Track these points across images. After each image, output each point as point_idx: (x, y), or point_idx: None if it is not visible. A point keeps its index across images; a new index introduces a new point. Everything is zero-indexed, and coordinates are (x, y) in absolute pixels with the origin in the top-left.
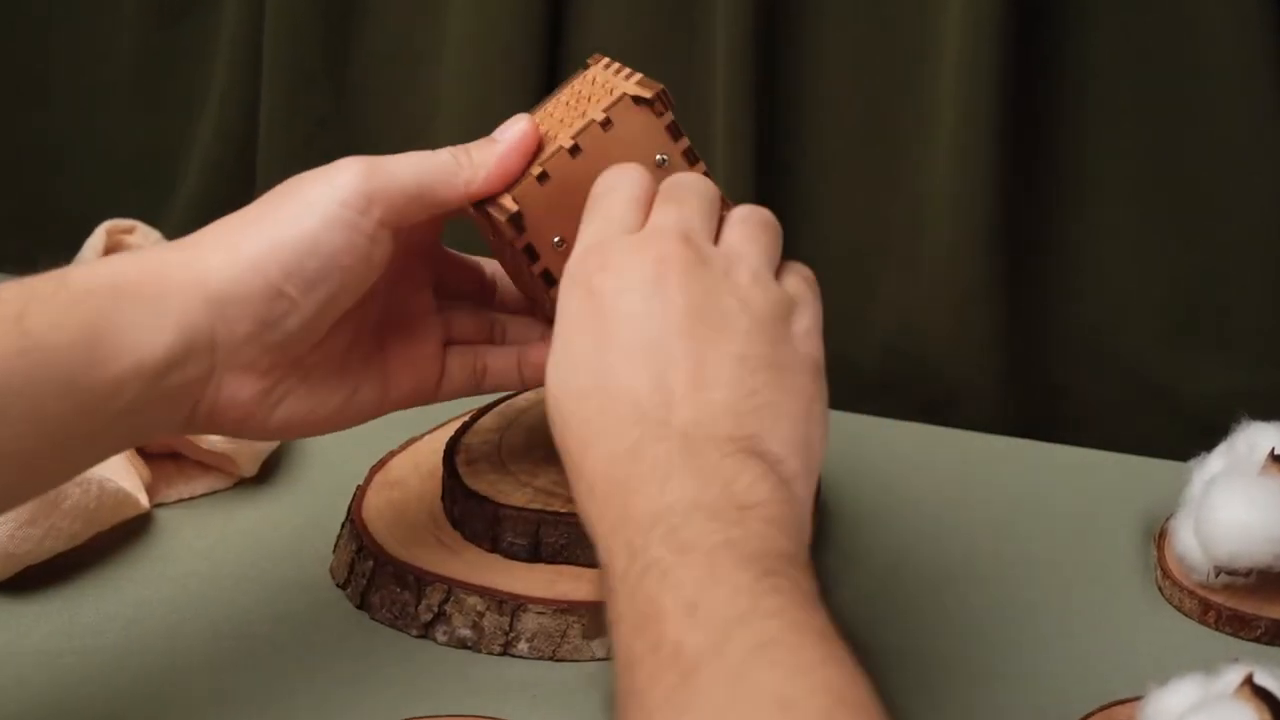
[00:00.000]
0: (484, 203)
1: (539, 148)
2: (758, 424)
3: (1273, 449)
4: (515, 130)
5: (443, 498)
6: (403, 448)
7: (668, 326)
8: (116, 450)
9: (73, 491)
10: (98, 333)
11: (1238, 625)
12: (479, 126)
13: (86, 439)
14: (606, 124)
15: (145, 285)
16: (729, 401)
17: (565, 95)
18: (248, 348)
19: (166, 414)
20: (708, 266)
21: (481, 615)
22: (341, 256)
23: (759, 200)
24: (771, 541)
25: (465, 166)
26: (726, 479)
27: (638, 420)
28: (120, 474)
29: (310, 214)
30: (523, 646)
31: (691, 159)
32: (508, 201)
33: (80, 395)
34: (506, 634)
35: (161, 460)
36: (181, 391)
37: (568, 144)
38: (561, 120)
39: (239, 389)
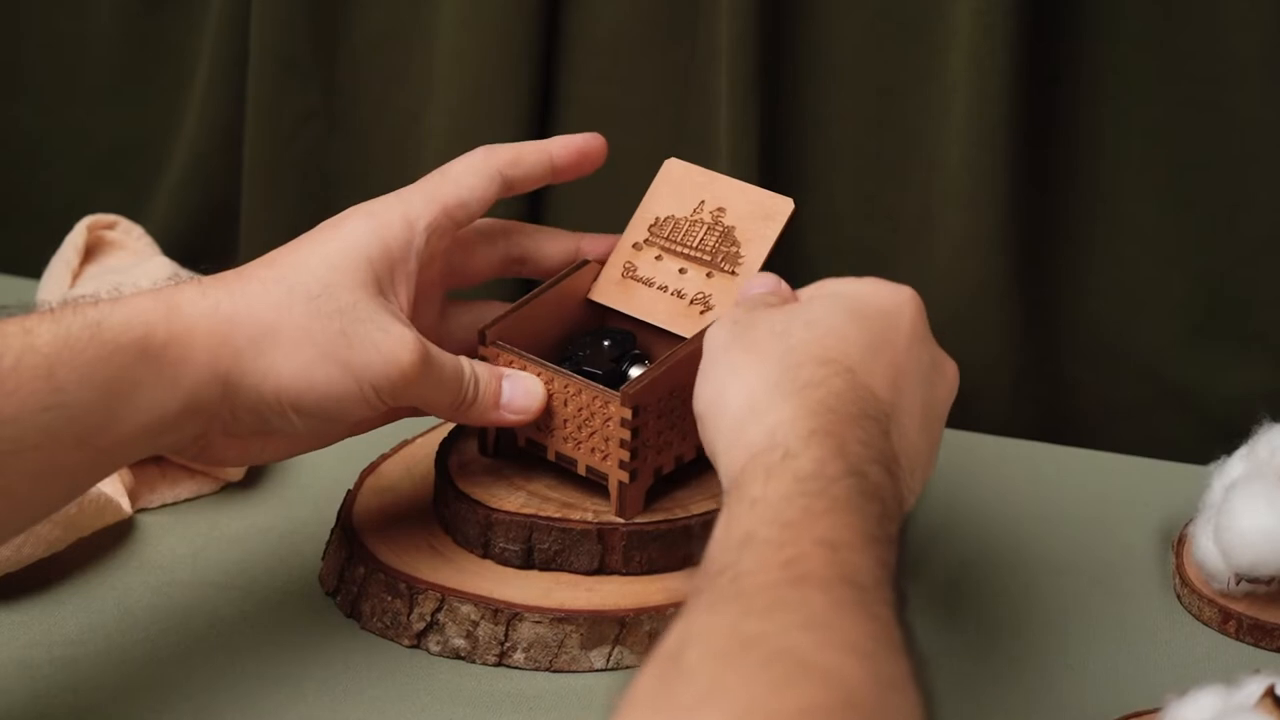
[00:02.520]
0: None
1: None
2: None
3: None
4: (523, 408)
5: (434, 501)
6: (395, 450)
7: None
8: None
9: None
10: (118, 392)
11: (1259, 635)
12: (471, 120)
13: (86, 482)
14: None
15: (171, 349)
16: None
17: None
18: (240, 428)
19: (154, 453)
20: None
21: (476, 625)
22: (348, 413)
23: None
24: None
25: (469, 414)
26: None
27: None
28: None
29: (347, 378)
30: (519, 657)
31: None
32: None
33: (91, 450)
34: (502, 644)
35: (145, 464)
36: (172, 445)
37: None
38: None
39: (225, 447)
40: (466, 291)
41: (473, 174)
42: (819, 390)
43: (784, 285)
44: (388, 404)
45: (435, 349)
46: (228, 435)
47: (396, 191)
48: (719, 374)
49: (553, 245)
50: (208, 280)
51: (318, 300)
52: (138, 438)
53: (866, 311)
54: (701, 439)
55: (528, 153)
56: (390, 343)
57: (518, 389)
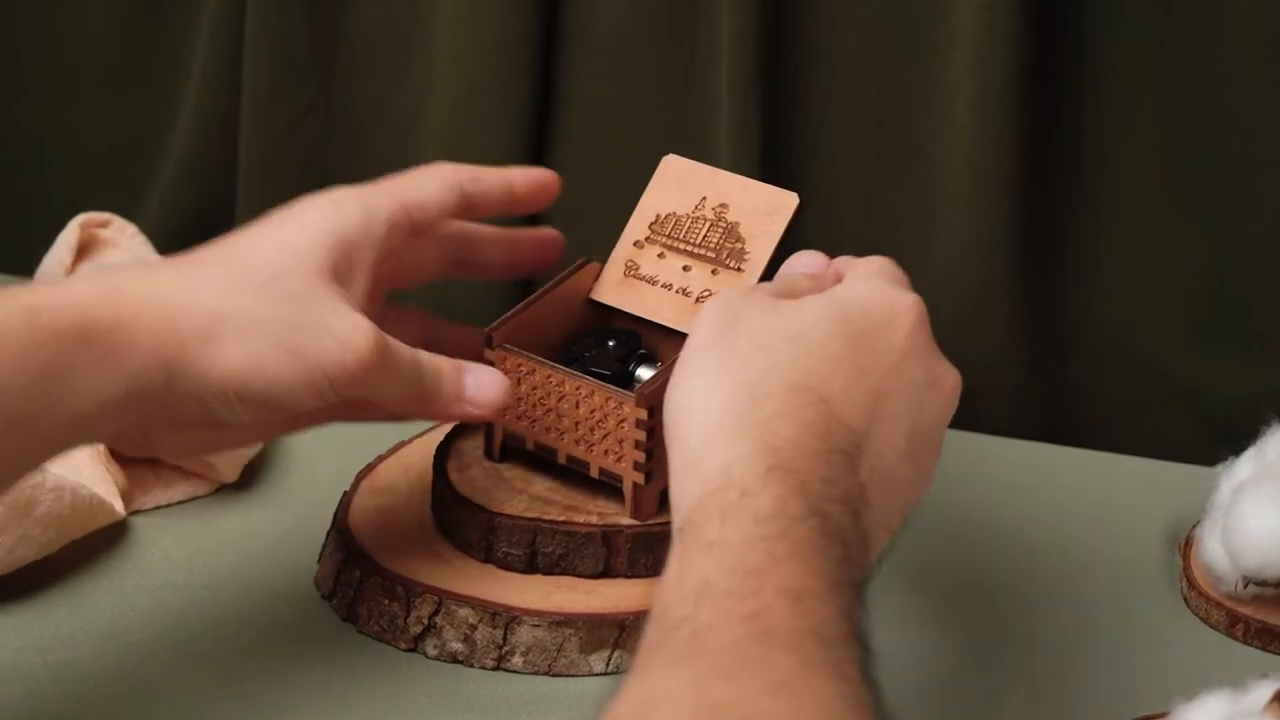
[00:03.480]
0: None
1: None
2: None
3: None
4: (486, 401)
5: (433, 505)
6: (391, 452)
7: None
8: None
9: (45, 498)
10: (55, 376)
11: (1267, 639)
12: (470, 120)
13: (21, 469)
14: None
15: (114, 334)
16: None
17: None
18: (184, 418)
19: (94, 442)
20: None
21: (474, 628)
22: (298, 404)
23: None
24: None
25: (430, 409)
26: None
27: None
28: (95, 480)
29: (298, 366)
30: (517, 661)
31: None
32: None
33: (25, 437)
34: (500, 648)
35: (138, 465)
36: (112, 434)
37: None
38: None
39: (166, 437)
40: (405, 295)
41: (434, 180)
42: (783, 424)
43: (829, 271)
44: (341, 395)
45: (393, 340)
46: (170, 425)
47: (357, 186)
48: (692, 383)
49: (493, 250)
50: (155, 264)
51: (271, 287)
52: (75, 425)
53: (861, 324)
54: (665, 444)
55: (487, 174)
56: (346, 330)
57: (480, 381)
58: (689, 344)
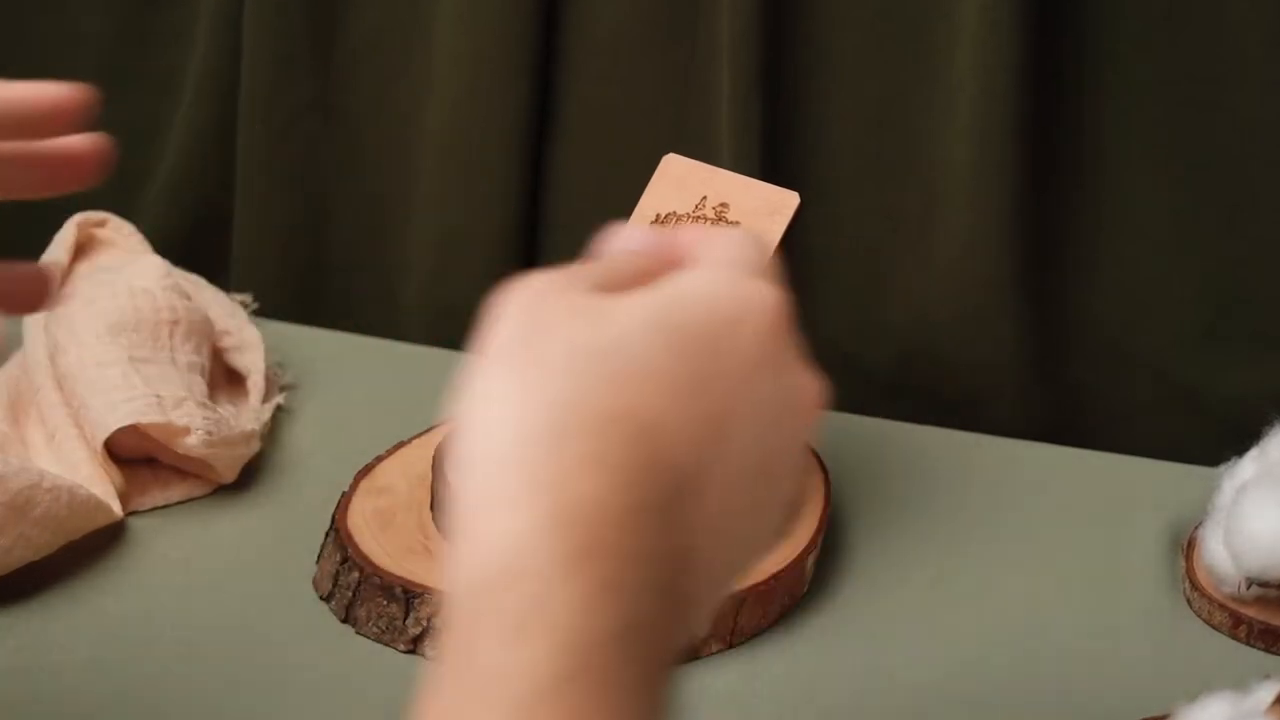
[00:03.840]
0: None
1: None
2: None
3: None
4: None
5: (433, 506)
6: (390, 452)
7: None
8: None
9: (43, 499)
10: None
11: (1270, 640)
12: (469, 118)
13: None
14: None
15: None
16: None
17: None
18: None
19: None
20: None
21: None
22: None
23: None
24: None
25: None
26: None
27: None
28: (93, 481)
29: None
30: None
31: None
32: None
33: None
34: None
35: (136, 466)
36: None
37: None
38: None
39: None
40: None
41: None
42: (590, 477)
43: (668, 247)
44: None
45: None
46: None
47: None
48: (477, 403)
49: (8, 168)
50: None
51: None
52: None
53: (700, 329)
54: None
55: None
56: None
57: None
58: (491, 333)
